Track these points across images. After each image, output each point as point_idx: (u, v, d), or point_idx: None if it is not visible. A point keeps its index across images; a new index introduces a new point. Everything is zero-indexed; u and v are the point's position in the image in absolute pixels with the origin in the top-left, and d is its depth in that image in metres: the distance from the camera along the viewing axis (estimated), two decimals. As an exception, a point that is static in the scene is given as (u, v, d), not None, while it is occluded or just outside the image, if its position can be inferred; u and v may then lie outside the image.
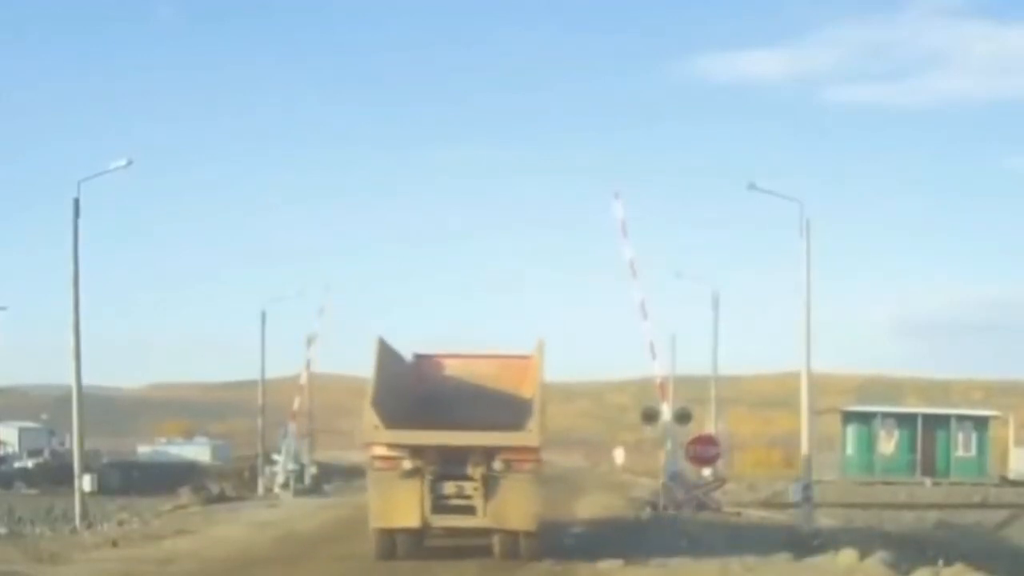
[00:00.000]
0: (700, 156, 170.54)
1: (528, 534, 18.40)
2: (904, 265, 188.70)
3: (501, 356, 21.31)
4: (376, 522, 18.61)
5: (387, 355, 19.52)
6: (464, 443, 18.13)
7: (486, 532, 18.66)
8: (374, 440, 18.24)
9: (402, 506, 18.24)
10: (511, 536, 18.49)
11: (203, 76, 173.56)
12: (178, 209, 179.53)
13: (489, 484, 18.16)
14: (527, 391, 19.27)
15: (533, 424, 18.00)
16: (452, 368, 20.95)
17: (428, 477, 18.18)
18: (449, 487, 18.29)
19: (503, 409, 19.18)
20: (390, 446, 18.25)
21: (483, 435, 18.22)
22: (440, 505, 18.28)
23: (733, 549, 20.31)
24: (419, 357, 21.13)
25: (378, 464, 18.46)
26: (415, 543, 18.96)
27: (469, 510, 18.29)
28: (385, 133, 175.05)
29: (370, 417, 17.90)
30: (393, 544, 18.76)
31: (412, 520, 18.32)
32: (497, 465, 18.10)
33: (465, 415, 19.25)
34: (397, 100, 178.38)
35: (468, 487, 18.26)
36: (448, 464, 18.25)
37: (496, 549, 18.64)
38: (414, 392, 20.22)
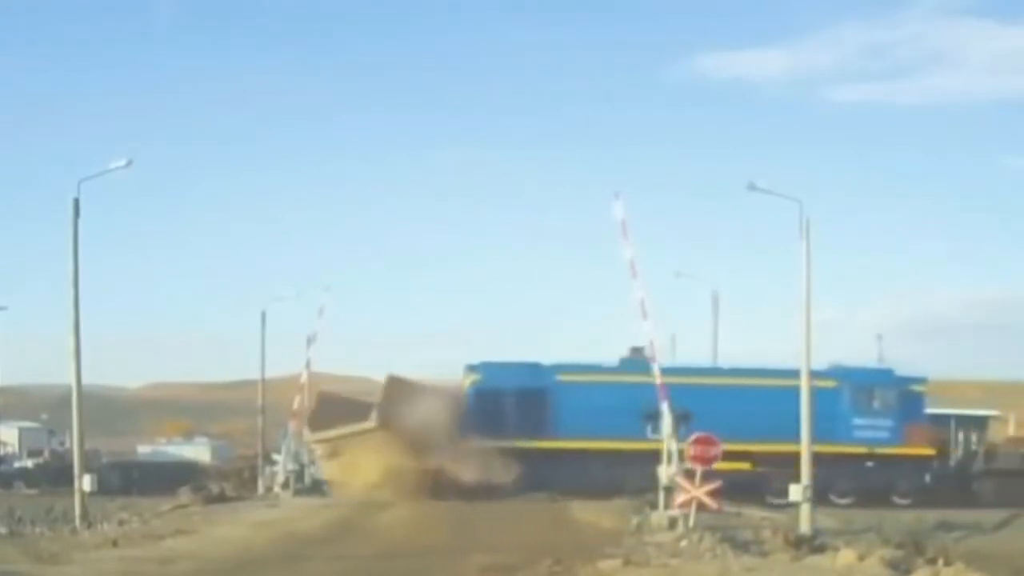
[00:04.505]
0: (700, 156, 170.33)
1: None
2: (903, 265, 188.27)
3: None
4: None
5: None
6: None
7: None
8: None
9: None
10: None
11: (204, 76, 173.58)
12: (178, 208, 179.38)
13: None
14: None
15: None
16: None
17: None
18: None
19: None
20: None
21: None
22: None
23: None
24: None
25: None
26: None
27: None
28: (385, 134, 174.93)
29: None
30: None
31: None
32: None
33: None
34: (397, 101, 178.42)
35: None
36: None
37: None
38: None
